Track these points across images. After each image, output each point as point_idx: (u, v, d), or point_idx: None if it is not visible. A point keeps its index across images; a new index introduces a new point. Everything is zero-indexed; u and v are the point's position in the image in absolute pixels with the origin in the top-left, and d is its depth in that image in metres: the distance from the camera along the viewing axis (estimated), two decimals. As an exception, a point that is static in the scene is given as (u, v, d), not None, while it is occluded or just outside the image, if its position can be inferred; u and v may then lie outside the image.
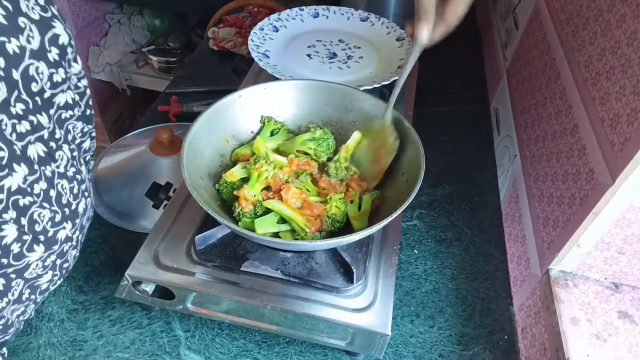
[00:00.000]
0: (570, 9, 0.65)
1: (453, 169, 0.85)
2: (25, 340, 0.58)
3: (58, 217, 0.47)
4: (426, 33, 0.54)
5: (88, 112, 0.53)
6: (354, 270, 0.54)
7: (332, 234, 0.56)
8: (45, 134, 0.45)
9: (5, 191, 0.40)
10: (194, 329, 0.60)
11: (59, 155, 0.47)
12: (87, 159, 0.57)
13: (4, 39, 0.37)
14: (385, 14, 1.04)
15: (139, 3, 1.61)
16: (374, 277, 0.56)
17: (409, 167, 0.58)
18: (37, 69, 0.41)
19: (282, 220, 0.55)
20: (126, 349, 0.58)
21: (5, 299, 0.46)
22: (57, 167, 0.47)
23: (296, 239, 0.54)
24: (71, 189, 0.49)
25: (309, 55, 0.85)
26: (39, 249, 0.46)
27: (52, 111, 0.45)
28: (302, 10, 0.92)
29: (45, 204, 0.45)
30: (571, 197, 0.54)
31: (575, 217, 0.52)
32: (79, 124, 0.52)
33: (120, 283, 0.55)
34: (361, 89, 0.66)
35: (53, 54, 0.43)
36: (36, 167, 0.43)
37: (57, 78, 0.44)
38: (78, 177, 0.50)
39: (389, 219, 0.49)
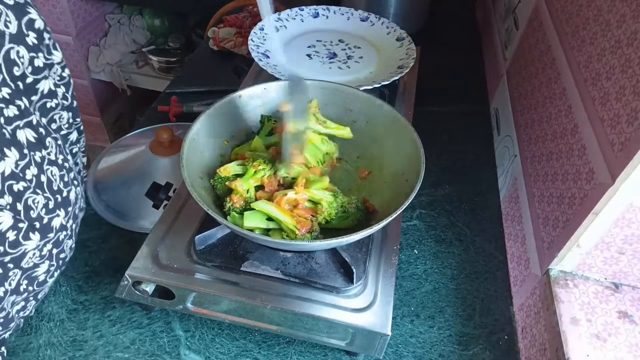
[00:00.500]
0: (570, 9, 0.65)
1: (453, 169, 0.85)
2: (25, 340, 0.58)
3: (51, 204, 0.47)
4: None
5: (75, 103, 0.54)
6: (354, 270, 0.54)
7: (331, 235, 0.56)
8: (34, 119, 0.45)
9: (0, 175, 0.41)
10: (194, 329, 0.60)
11: (49, 142, 0.47)
12: (74, 151, 0.57)
13: None
14: (385, 14, 1.04)
15: (139, 3, 1.61)
16: (374, 277, 0.56)
17: (409, 167, 0.58)
18: (17, 52, 0.42)
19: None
20: (126, 349, 0.58)
21: (3, 288, 0.46)
22: (48, 153, 0.47)
23: (287, 238, 0.53)
24: (61, 176, 0.49)
25: (309, 56, 0.85)
26: (35, 237, 0.46)
27: (34, 97, 0.46)
28: (302, 10, 0.92)
29: (38, 190, 0.45)
30: (571, 197, 0.54)
31: (575, 217, 0.52)
32: (65, 114, 0.52)
33: (120, 283, 0.55)
34: (361, 89, 0.66)
35: (31, 37, 0.44)
36: (26, 151, 0.44)
37: (38, 63, 0.45)
38: (66, 165, 0.51)
39: (389, 219, 0.49)
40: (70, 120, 0.54)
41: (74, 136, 0.56)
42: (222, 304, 0.55)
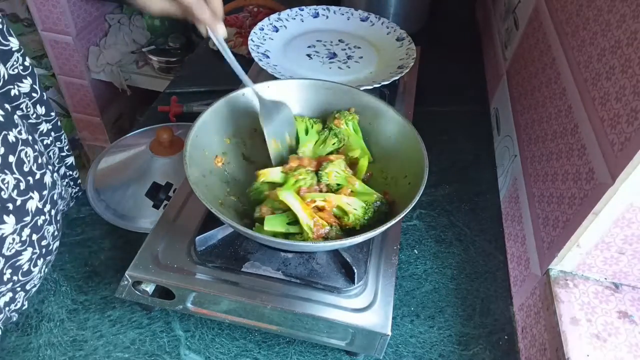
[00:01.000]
0: (570, 9, 0.65)
1: (453, 169, 0.85)
2: (25, 340, 0.58)
3: (22, 185, 0.47)
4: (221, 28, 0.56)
5: (45, 96, 0.54)
6: (355, 270, 0.53)
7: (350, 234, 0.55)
8: None
9: None
10: (194, 329, 0.60)
11: (17, 121, 0.47)
12: (45, 142, 0.57)
13: None
14: (385, 14, 1.04)
15: (139, 3, 1.61)
16: (374, 277, 0.56)
17: (411, 169, 0.58)
18: None
19: (293, 221, 0.54)
20: (126, 349, 0.58)
21: None
22: (19, 132, 0.47)
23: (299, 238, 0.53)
24: (35, 158, 0.49)
25: (309, 55, 0.85)
26: (10, 220, 0.46)
27: None
28: (302, 10, 0.92)
29: (6, 171, 0.45)
30: (571, 197, 0.54)
31: (575, 217, 0.52)
32: (32, 105, 0.53)
33: (120, 283, 0.55)
34: (361, 89, 0.66)
35: None
36: None
37: None
38: (37, 147, 0.50)
39: (393, 221, 0.49)
40: (39, 111, 0.54)
41: (44, 127, 0.56)
42: (222, 304, 0.55)
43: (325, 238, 0.53)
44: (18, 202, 0.47)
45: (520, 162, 0.73)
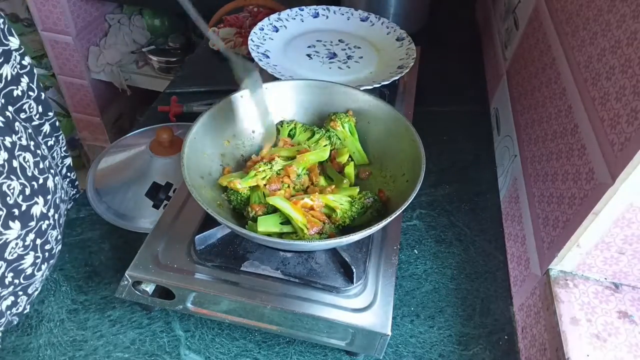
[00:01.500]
0: (570, 9, 0.65)
1: (453, 169, 0.85)
2: (25, 340, 0.58)
3: (28, 191, 0.47)
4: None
5: (43, 96, 0.53)
6: (354, 270, 0.54)
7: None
8: None
9: None
10: (194, 329, 0.60)
11: (18, 127, 0.47)
12: (48, 144, 0.57)
13: None
14: (385, 14, 1.04)
15: (139, 3, 1.61)
16: (374, 277, 0.56)
17: (409, 167, 0.58)
18: None
19: (286, 221, 0.55)
20: (126, 349, 0.58)
21: None
22: (19, 138, 0.46)
23: (295, 237, 0.54)
24: (36, 163, 0.49)
25: (309, 55, 0.85)
26: (15, 226, 0.46)
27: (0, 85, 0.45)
28: (302, 10, 0.92)
29: (12, 176, 0.45)
30: (571, 197, 0.54)
31: (575, 217, 0.52)
32: (33, 104, 0.52)
33: (120, 283, 0.55)
34: (361, 89, 0.66)
35: None
36: None
37: None
38: (39, 152, 0.50)
39: (389, 219, 0.49)
40: (41, 111, 0.54)
41: (46, 128, 0.56)
42: (222, 304, 0.55)
43: (320, 234, 0.53)
44: (23, 208, 0.47)
45: (520, 162, 0.73)
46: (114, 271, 0.66)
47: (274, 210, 0.56)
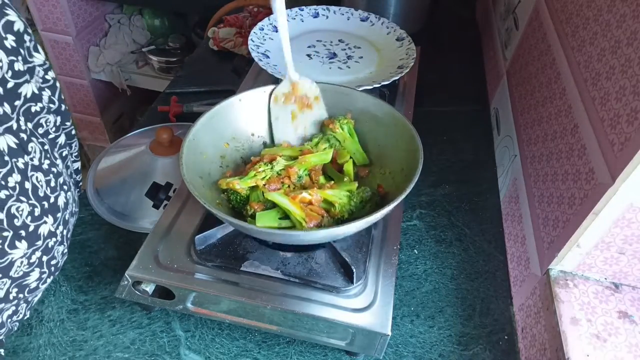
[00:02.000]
0: (570, 9, 0.65)
1: (453, 169, 0.85)
2: (25, 340, 0.58)
3: (37, 211, 0.47)
4: None
5: (63, 107, 0.53)
6: (354, 270, 0.54)
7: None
8: (14, 125, 0.44)
9: None
10: (194, 329, 0.60)
11: (32, 148, 0.46)
12: (63, 154, 0.56)
13: None
14: (385, 14, 1.04)
15: (139, 3, 1.61)
16: (374, 277, 0.56)
17: (408, 162, 0.58)
18: None
19: (284, 217, 0.55)
20: (126, 349, 0.58)
21: None
22: (31, 159, 0.46)
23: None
24: (47, 182, 0.48)
25: (309, 56, 0.85)
26: (22, 246, 0.46)
27: (17, 102, 0.45)
28: (302, 10, 0.92)
29: (22, 198, 0.45)
30: (571, 197, 0.54)
31: (575, 217, 0.52)
32: (51, 118, 0.51)
33: (120, 283, 0.55)
34: (361, 89, 0.66)
35: (10, 41, 0.43)
36: (7, 158, 0.43)
37: (18, 67, 0.44)
38: (54, 169, 0.50)
39: (388, 208, 0.49)
40: (58, 124, 0.53)
41: (62, 139, 0.55)
42: (222, 304, 0.55)
43: (319, 227, 0.54)
44: (31, 228, 0.46)
45: (520, 162, 0.73)
46: (114, 271, 0.66)
47: (273, 207, 0.56)
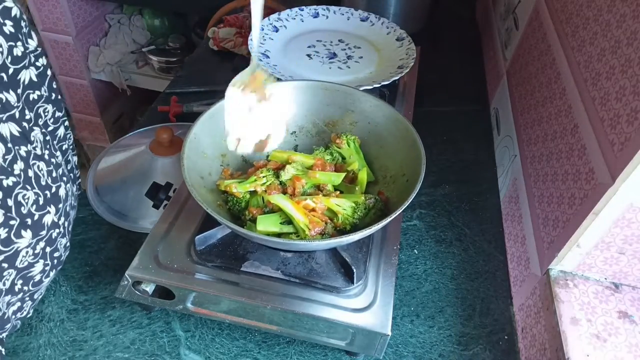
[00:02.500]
0: (570, 9, 0.65)
1: (453, 169, 0.85)
2: (25, 340, 0.58)
3: (41, 200, 0.47)
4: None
5: (54, 96, 0.53)
6: (354, 270, 0.54)
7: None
8: (17, 113, 0.44)
9: None
10: (194, 329, 0.60)
11: (34, 137, 0.47)
12: (63, 147, 0.56)
13: None
14: (385, 14, 1.04)
15: (139, 3, 1.61)
16: (374, 277, 0.56)
17: (409, 167, 0.58)
18: None
19: (286, 221, 0.55)
20: (126, 349, 0.58)
21: None
22: (34, 148, 0.46)
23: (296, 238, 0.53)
24: (49, 172, 0.48)
25: (309, 56, 0.85)
26: (27, 235, 0.46)
27: (19, 90, 0.45)
28: (302, 10, 0.92)
29: (27, 186, 0.45)
30: (571, 197, 0.54)
31: (575, 217, 0.52)
32: (49, 107, 0.51)
33: (120, 283, 0.55)
34: (361, 89, 0.66)
35: (8, 26, 0.43)
36: (10, 145, 0.43)
37: (17, 52, 0.44)
38: (53, 160, 0.50)
39: (389, 219, 0.49)
40: (57, 115, 0.54)
41: (61, 132, 0.55)
42: (222, 304, 0.55)
43: (322, 234, 0.53)
44: (36, 217, 0.47)
45: (520, 162, 0.73)
46: (114, 271, 0.66)
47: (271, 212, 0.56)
